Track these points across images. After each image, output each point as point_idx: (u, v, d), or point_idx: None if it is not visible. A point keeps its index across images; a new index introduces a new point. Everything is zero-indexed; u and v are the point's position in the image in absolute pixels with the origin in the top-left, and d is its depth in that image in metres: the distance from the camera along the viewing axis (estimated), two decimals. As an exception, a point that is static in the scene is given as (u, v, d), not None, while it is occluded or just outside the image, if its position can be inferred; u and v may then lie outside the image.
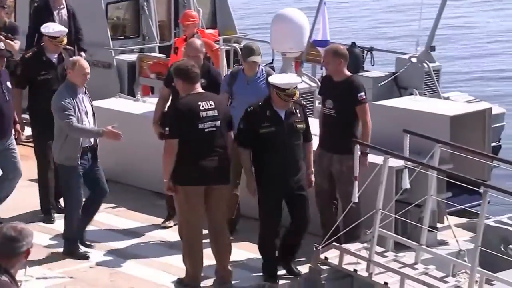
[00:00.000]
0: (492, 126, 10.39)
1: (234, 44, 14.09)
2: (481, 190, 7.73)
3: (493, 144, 11.49)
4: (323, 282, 8.36)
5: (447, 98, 13.01)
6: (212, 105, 7.91)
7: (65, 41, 9.87)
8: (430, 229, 8.69)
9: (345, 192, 8.57)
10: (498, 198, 8.15)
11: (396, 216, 8.59)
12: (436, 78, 13.23)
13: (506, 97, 20.18)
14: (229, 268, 8.08)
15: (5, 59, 9.27)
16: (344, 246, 8.43)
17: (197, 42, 9.28)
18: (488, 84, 21.83)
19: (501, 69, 23.25)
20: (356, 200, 8.42)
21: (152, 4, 14.00)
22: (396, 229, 8.82)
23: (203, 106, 7.87)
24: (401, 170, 8.57)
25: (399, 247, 8.67)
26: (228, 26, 14.94)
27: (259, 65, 9.17)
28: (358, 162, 8.39)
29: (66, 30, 10.13)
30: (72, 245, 8.60)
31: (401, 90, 13.29)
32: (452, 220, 9.34)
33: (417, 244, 8.47)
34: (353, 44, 13.81)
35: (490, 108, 10.05)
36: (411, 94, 11.99)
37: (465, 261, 8.43)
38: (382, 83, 13.04)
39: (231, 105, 9.03)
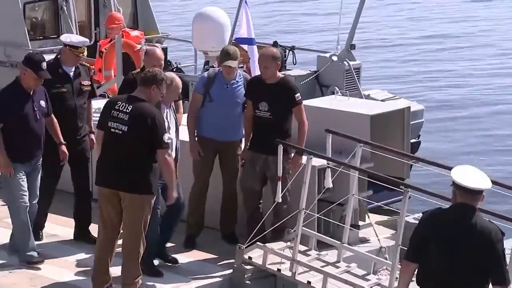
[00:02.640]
0: (412, 122, 10.63)
1: (157, 44, 14.02)
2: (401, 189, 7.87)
3: (413, 140, 11.73)
4: (246, 282, 8.41)
5: (368, 96, 13.18)
6: (127, 110, 7.68)
7: (86, 52, 9.37)
8: (352, 227, 8.82)
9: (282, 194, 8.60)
10: (418, 195, 8.29)
11: (318, 215, 8.68)
12: (357, 76, 13.38)
13: (425, 93, 20.62)
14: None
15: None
16: (268, 245, 8.49)
17: (158, 51, 8.97)
18: (407, 81, 22.22)
19: (422, 70, 23.71)
20: (280, 200, 8.49)
21: (71, 4, 13.83)
22: (319, 228, 8.91)
23: (118, 107, 7.73)
24: (324, 170, 8.67)
25: (322, 245, 8.77)
26: (150, 26, 14.86)
27: (237, 69, 9.03)
28: (281, 162, 8.46)
29: (88, 40, 9.67)
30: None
31: (323, 89, 13.40)
32: (373, 218, 9.49)
33: (339, 242, 8.58)
34: (275, 43, 13.87)
35: (409, 107, 10.28)
36: (333, 92, 12.12)
37: (386, 258, 8.58)
38: (304, 81, 13.14)
39: (204, 108, 8.87)
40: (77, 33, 13.76)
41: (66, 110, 8.80)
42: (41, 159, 8.53)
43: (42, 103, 8.46)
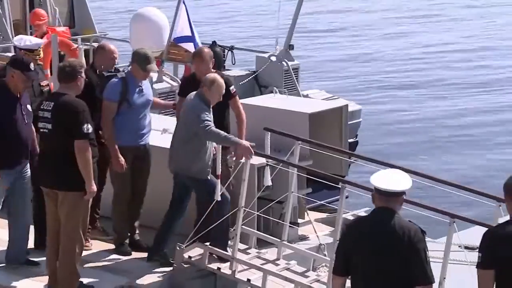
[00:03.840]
0: (349, 122, 10.71)
1: (94, 44, 13.92)
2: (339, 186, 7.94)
3: (350, 140, 11.83)
4: (187, 281, 8.38)
5: (306, 96, 13.27)
6: (50, 107, 7.71)
7: (42, 54, 9.24)
8: (291, 225, 8.86)
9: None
10: (355, 192, 8.37)
11: (258, 213, 8.70)
12: (295, 76, 13.46)
13: (362, 93, 20.82)
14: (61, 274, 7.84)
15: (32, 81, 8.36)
16: (208, 244, 8.47)
17: (112, 46, 8.87)
18: (346, 81, 22.41)
19: (361, 70, 23.94)
20: (219, 199, 8.47)
21: (6, 3, 13.66)
22: (259, 226, 8.93)
23: (43, 106, 7.78)
24: (263, 168, 8.69)
25: (262, 243, 8.79)
26: (87, 25, 14.76)
27: None
28: (220, 161, 8.45)
29: (42, 41, 9.53)
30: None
31: (262, 89, 13.46)
32: (312, 215, 9.55)
33: (279, 240, 8.61)
34: (214, 43, 13.89)
35: (347, 105, 10.35)
36: (271, 92, 12.17)
37: (325, 255, 8.64)
38: (243, 82, 13.17)
39: (121, 115, 8.56)
40: (12, 32, 13.63)
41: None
42: (28, 165, 8.20)
43: (29, 107, 8.21)
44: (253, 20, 29.87)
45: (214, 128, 8.12)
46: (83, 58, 12.38)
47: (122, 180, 8.69)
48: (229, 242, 8.51)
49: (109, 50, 8.98)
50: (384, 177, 5.88)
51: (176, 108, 9.03)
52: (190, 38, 12.74)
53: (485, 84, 22.58)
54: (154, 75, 12.36)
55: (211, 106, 8.27)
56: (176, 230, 8.52)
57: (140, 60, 8.66)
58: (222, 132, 8.15)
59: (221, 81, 8.32)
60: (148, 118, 8.79)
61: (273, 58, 13.38)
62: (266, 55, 13.62)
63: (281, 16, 13.49)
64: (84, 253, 8.20)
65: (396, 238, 5.74)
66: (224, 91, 8.35)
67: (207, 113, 8.17)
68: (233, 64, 14.27)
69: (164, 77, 12.93)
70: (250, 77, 13.44)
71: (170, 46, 13.24)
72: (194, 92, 8.36)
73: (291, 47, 13.62)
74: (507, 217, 6.03)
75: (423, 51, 26.15)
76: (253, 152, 8.12)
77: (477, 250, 5.82)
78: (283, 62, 13.34)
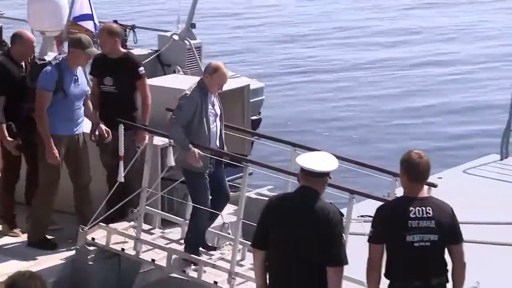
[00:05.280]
0: (252, 100, 10.78)
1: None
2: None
3: (254, 117, 11.89)
4: (90, 263, 8.33)
5: (209, 75, 13.24)
6: None
7: None
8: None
9: (131, 168, 8.48)
10: (259, 171, 8.45)
11: (162, 193, 8.70)
12: (198, 55, 13.42)
13: (267, 71, 20.95)
14: None
15: None
16: (111, 225, 8.44)
17: (29, 33, 8.67)
18: (249, 60, 22.50)
19: (265, 48, 24.05)
20: (122, 180, 8.44)
21: None
22: (163, 206, 8.93)
23: None
24: (166, 148, 8.68)
25: (166, 223, 8.80)
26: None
27: None
28: (122, 142, 8.42)
29: None
30: (194, 251, 8.12)
31: (165, 68, 13.38)
32: (216, 194, 9.58)
33: (182, 219, 8.63)
34: (115, 22, 13.71)
35: (249, 85, 10.42)
36: (174, 71, 12.12)
37: (229, 234, 8.70)
38: (146, 61, 13.06)
39: (56, 105, 8.30)
40: None
41: None
42: None
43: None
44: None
45: (178, 128, 7.93)
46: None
47: (53, 169, 8.40)
48: (132, 222, 8.49)
49: (28, 39, 8.76)
50: (310, 158, 6.02)
51: (91, 92, 8.89)
52: (91, 16, 12.55)
53: (387, 65, 23.04)
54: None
55: (210, 94, 8.04)
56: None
57: (81, 44, 8.41)
58: (182, 136, 7.95)
59: (225, 70, 8.06)
60: (82, 107, 8.59)
61: (176, 37, 13.30)
62: (168, 34, 13.53)
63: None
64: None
65: (314, 217, 5.85)
66: (227, 81, 8.17)
67: (191, 107, 7.89)
68: (135, 44, 14.13)
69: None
70: (153, 56, 13.33)
71: (70, 25, 13.04)
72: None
73: (193, 25, 13.54)
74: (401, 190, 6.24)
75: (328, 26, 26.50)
76: (201, 162, 7.92)
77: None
78: (186, 41, 13.28)
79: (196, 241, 8.20)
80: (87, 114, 8.63)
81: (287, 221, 5.88)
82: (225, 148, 8.28)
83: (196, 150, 7.90)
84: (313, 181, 5.91)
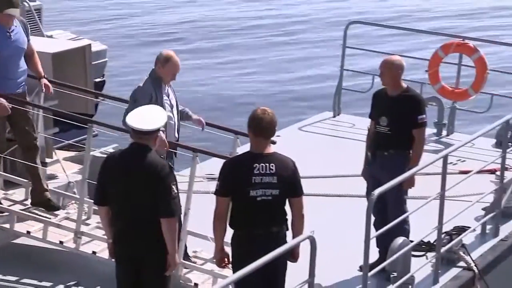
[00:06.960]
0: (95, 62, 10.80)
1: None
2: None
3: (97, 79, 11.89)
4: None
5: (50, 36, 13.10)
6: None
7: None
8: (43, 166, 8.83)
9: None
10: (104, 131, 8.52)
11: (4, 155, 8.62)
12: (38, 17, 13.22)
13: (113, 34, 20.77)
14: None
15: None
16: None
17: None
18: (92, 24, 22.26)
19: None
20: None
21: None
22: (5, 167, 8.86)
23: None
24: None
25: (9, 185, 8.74)
26: None
27: None
28: None
29: None
30: None
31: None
32: (60, 154, 9.61)
33: (25, 180, 8.60)
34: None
35: (90, 45, 10.46)
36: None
37: (74, 193, 8.76)
38: None
39: None
40: None
41: None
42: None
43: None
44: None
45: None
46: None
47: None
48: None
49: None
50: (138, 115, 6.25)
51: None
52: None
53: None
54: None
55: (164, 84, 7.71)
56: None
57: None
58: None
59: (177, 58, 7.71)
60: (24, 66, 8.26)
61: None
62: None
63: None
64: None
65: (145, 172, 6.14)
66: (179, 69, 7.77)
67: (145, 100, 7.44)
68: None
69: None
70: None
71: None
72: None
73: (32, -14, 13.33)
74: (245, 148, 6.53)
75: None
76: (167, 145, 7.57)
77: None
78: (24, 3, 13.05)
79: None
80: (32, 70, 8.33)
81: (120, 177, 6.16)
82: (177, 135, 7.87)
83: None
84: (144, 138, 6.21)
